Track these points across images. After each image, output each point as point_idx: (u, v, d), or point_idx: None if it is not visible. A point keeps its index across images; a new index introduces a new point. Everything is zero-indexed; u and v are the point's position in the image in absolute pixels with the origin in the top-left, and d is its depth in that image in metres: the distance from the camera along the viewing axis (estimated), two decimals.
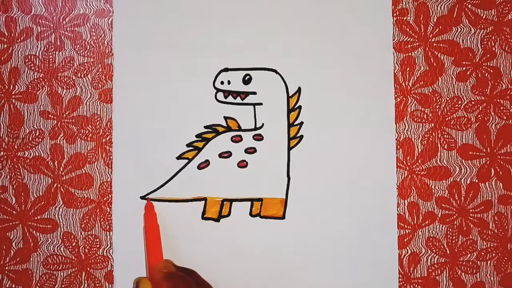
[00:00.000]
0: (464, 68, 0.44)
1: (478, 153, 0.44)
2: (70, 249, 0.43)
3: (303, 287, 0.43)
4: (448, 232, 0.44)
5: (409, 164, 0.44)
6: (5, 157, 0.44)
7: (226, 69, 0.44)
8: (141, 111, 0.44)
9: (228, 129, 0.44)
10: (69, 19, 0.44)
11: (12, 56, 0.44)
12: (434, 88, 0.44)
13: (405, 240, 0.44)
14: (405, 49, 0.44)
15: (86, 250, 0.43)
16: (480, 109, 0.44)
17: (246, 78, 0.44)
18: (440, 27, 0.44)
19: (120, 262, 0.43)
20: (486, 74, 0.44)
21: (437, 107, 0.44)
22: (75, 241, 0.43)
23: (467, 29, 0.44)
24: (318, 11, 0.44)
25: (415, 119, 0.44)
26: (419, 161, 0.44)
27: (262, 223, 0.43)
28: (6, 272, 0.44)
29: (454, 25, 0.44)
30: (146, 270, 0.42)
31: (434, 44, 0.44)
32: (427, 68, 0.44)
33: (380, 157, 0.44)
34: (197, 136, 0.44)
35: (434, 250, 0.44)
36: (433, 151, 0.44)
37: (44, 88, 0.44)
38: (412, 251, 0.44)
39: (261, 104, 0.44)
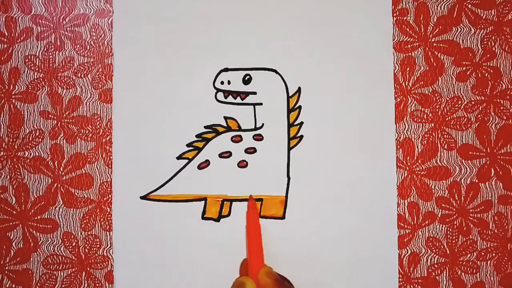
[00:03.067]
0: (464, 68, 0.44)
1: (478, 153, 0.44)
2: (70, 249, 0.43)
3: (303, 287, 0.43)
4: (448, 232, 0.44)
5: (409, 164, 0.44)
6: (5, 157, 0.44)
7: (226, 69, 0.44)
8: (141, 111, 0.44)
9: (228, 129, 0.44)
10: (69, 19, 0.44)
11: (12, 56, 0.44)
12: (434, 88, 0.44)
13: (405, 240, 0.44)
14: (405, 49, 0.44)
15: (86, 250, 0.43)
16: (480, 109, 0.44)
17: (246, 78, 0.44)
18: (440, 27, 0.44)
19: (120, 262, 0.43)
20: (486, 74, 0.44)
21: (437, 107, 0.44)
22: (75, 241, 0.43)
23: (467, 29, 0.44)
24: (318, 11, 0.44)
25: (415, 119, 0.44)
26: (419, 161, 0.44)
27: (262, 223, 0.43)
28: (6, 272, 0.44)
29: (454, 25, 0.44)
30: (245, 270, 0.41)
31: (434, 44, 0.44)
32: (427, 68, 0.44)
33: (380, 157, 0.44)
34: (197, 136, 0.44)
35: (434, 250, 0.44)
36: (433, 151, 0.44)
37: (44, 88, 0.44)
38: (412, 251, 0.44)
39: (261, 104, 0.44)
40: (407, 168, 0.44)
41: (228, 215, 0.43)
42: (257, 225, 0.41)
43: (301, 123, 0.44)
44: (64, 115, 0.44)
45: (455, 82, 0.44)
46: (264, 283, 0.38)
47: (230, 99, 0.44)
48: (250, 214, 0.42)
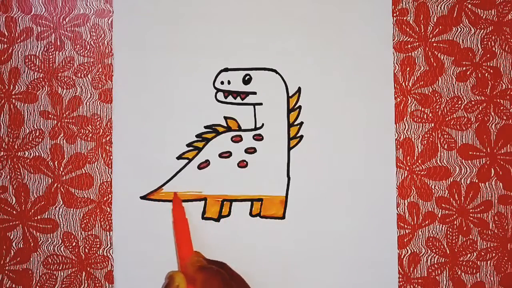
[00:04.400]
0: (464, 68, 0.44)
1: (478, 153, 0.44)
2: (70, 249, 0.43)
3: (303, 287, 0.43)
4: (448, 232, 0.44)
5: (409, 164, 0.44)
6: (5, 157, 0.44)
7: (226, 69, 0.44)
8: (141, 111, 0.44)
9: (228, 129, 0.44)
10: (69, 19, 0.44)
11: (12, 56, 0.44)
12: (434, 88, 0.44)
13: (405, 240, 0.44)
14: (405, 49, 0.44)
15: (86, 250, 0.43)
16: (480, 109, 0.44)
17: (246, 78, 0.44)
18: (440, 27, 0.44)
19: (120, 262, 0.43)
20: (486, 74, 0.44)
21: (437, 107, 0.44)
22: (75, 241, 0.43)
23: (467, 29, 0.44)
24: (318, 11, 0.44)
25: (415, 119, 0.44)
26: (419, 161, 0.44)
27: (262, 223, 0.43)
28: (6, 272, 0.44)
29: (454, 25, 0.44)
30: (178, 263, 0.42)
31: (434, 44, 0.44)
32: (427, 68, 0.44)
33: (380, 157, 0.44)
34: (197, 136, 0.44)
35: (434, 250, 0.44)
36: (433, 151, 0.44)
37: (44, 88, 0.44)
38: (412, 251, 0.44)
39: (261, 104, 0.44)
40: (407, 168, 0.44)
41: (228, 215, 0.43)
42: (183, 219, 0.42)
43: (301, 123, 0.44)
44: (64, 115, 0.44)
45: (455, 82, 0.44)
46: (189, 272, 0.38)
47: (230, 99, 0.44)
48: (175, 209, 0.43)
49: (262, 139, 0.44)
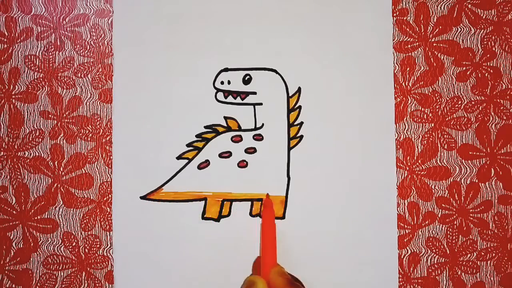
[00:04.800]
0: (464, 68, 0.44)
1: (478, 153, 0.44)
2: (70, 249, 0.43)
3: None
4: (448, 232, 0.44)
5: (409, 164, 0.44)
6: (5, 157, 0.44)
7: (226, 69, 0.44)
8: (141, 111, 0.44)
9: (228, 129, 0.44)
10: (69, 19, 0.44)
11: (12, 56, 0.44)
12: (434, 88, 0.44)
13: (405, 240, 0.44)
14: (405, 49, 0.44)
15: (86, 250, 0.43)
16: (480, 109, 0.44)
17: (246, 78, 0.44)
18: (440, 27, 0.44)
19: (120, 262, 0.43)
20: (486, 74, 0.44)
21: (437, 107, 0.44)
22: (75, 241, 0.43)
23: (467, 29, 0.44)
24: (318, 11, 0.44)
25: (415, 119, 0.44)
26: (419, 161, 0.44)
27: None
28: (6, 272, 0.44)
29: (454, 25, 0.44)
30: (259, 268, 0.40)
31: (434, 44, 0.44)
32: (427, 68, 0.44)
33: (380, 157, 0.44)
34: (197, 136, 0.44)
35: (434, 250, 0.44)
36: (433, 151, 0.44)
37: (44, 88, 0.44)
38: (412, 251, 0.44)
39: (261, 104, 0.44)
40: (407, 168, 0.44)
41: (228, 215, 0.43)
42: (272, 224, 0.41)
43: (301, 123, 0.44)
44: (64, 115, 0.44)
45: (455, 82, 0.44)
46: (275, 282, 0.37)
47: (230, 99, 0.44)
48: (266, 212, 0.42)
49: (262, 139, 0.44)
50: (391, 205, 0.44)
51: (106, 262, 0.43)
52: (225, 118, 0.44)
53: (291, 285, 0.37)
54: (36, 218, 0.44)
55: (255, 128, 0.44)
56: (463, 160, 0.44)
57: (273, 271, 0.38)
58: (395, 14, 0.44)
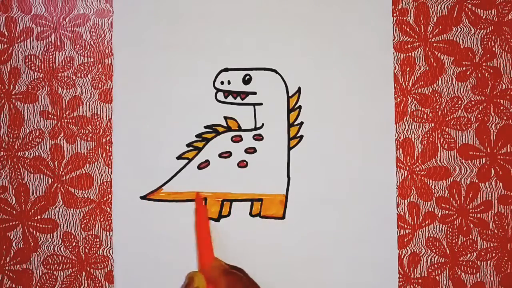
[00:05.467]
0: (464, 68, 0.44)
1: (478, 153, 0.44)
2: (70, 249, 0.43)
3: (303, 287, 0.43)
4: (448, 232, 0.44)
5: (409, 164, 0.44)
6: (5, 157, 0.44)
7: (226, 69, 0.44)
8: (141, 111, 0.44)
9: (228, 129, 0.44)
10: (69, 19, 0.44)
11: (12, 56, 0.44)
12: (434, 88, 0.44)
13: (405, 240, 0.44)
14: (405, 49, 0.44)
15: (86, 250, 0.43)
16: (480, 109, 0.44)
17: (246, 78, 0.44)
18: (440, 27, 0.44)
19: (120, 262, 0.43)
20: (486, 74, 0.44)
21: (437, 107, 0.44)
22: (75, 241, 0.43)
23: (467, 29, 0.44)
24: (318, 11, 0.44)
25: (415, 119, 0.44)
26: (419, 161, 0.44)
27: (262, 223, 0.43)
28: (6, 272, 0.44)
29: (454, 25, 0.44)
30: (197, 264, 0.42)
31: (434, 44, 0.44)
32: (427, 68, 0.44)
33: (380, 157, 0.44)
34: (197, 136, 0.44)
35: (434, 250, 0.44)
36: (433, 151, 0.44)
37: (44, 88, 0.44)
38: (412, 251, 0.44)
39: (261, 104, 0.44)
40: (407, 168, 0.44)
41: (228, 215, 0.43)
42: (206, 220, 0.42)
43: (301, 123, 0.44)
44: (64, 115, 0.44)
45: (455, 82, 0.44)
46: (212, 275, 0.39)
47: (230, 99, 0.44)
48: (198, 209, 0.42)
49: (262, 139, 0.44)
50: (391, 205, 0.44)
51: (106, 262, 0.43)
52: (225, 118, 0.44)
53: (227, 274, 0.38)
54: (36, 218, 0.44)
55: (255, 128, 0.44)
56: (463, 160, 0.44)
57: (210, 265, 0.40)
58: (395, 14, 0.44)
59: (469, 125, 0.44)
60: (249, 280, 0.39)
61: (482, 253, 0.44)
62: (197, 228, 0.42)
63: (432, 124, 0.44)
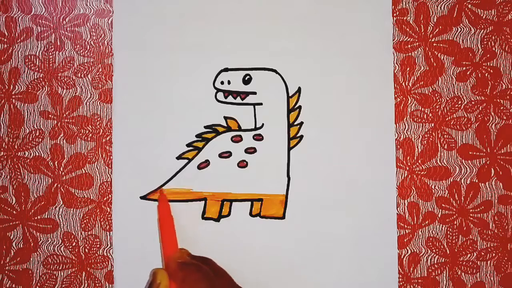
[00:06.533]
0: (464, 68, 0.44)
1: (478, 153, 0.44)
2: (70, 249, 0.43)
3: (303, 287, 0.43)
4: (448, 232, 0.44)
5: (409, 164, 0.44)
6: (5, 157, 0.44)
7: (226, 69, 0.44)
8: (141, 111, 0.44)
9: (228, 129, 0.44)
10: (69, 19, 0.44)
11: (12, 56, 0.44)
12: (434, 88, 0.44)
13: (405, 240, 0.44)
14: (405, 49, 0.44)
15: (86, 250, 0.43)
16: (480, 109, 0.44)
17: (246, 78, 0.44)
18: (440, 27, 0.44)
19: (120, 262, 0.43)
20: (486, 74, 0.44)
21: (437, 107, 0.44)
22: (75, 241, 0.43)
23: (467, 29, 0.44)
24: (318, 11, 0.44)
25: (415, 119, 0.44)
26: (419, 161, 0.44)
27: (262, 223, 0.43)
28: (6, 272, 0.44)
29: (454, 25, 0.44)
30: (162, 261, 0.42)
31: (434, 44, 0.44)
32: (427, 68, 0.44)
33: (380, 157, 0.44)
34: (197, 136, 0.44)
35: (434, 250, 0.44)
36: (433, 151, 0.44)
37: (44, 88, 0.44)
38: (412, 251, 0.44)
39: (261, 104, 0.44)
40: (407, 168, 0.44)
41: (228, 215, 0.43)
42: (169, 216, 0.42)
43: (301, 123, 0.44)
44: (64, 115, 0.44)
45: (455, 82, 0.44)
46: (172, 268, 0.39)
47: (230, 99, 0.44)
48: (160, 206, 0.42)
49: (262, 139, 0.44)
50: (391, 205, 0.44)
51: (106, 262, 0.43)
52: (225, 118, 0.44)
53: (182, 266, 0.38)
54: (36, 218, 0.44)
55: (255, 128, 0.44)
56: (463, 160, 0.44)
57: (171, 258, 0.39)
58: (395, 14, 0.44)
59: (469, 125, 0.44)
60: (214, 270, 0.39)
61: (482, 253, 0.44)
62: (160, 224, 0.42)
63: (432, 124, 0.44)
